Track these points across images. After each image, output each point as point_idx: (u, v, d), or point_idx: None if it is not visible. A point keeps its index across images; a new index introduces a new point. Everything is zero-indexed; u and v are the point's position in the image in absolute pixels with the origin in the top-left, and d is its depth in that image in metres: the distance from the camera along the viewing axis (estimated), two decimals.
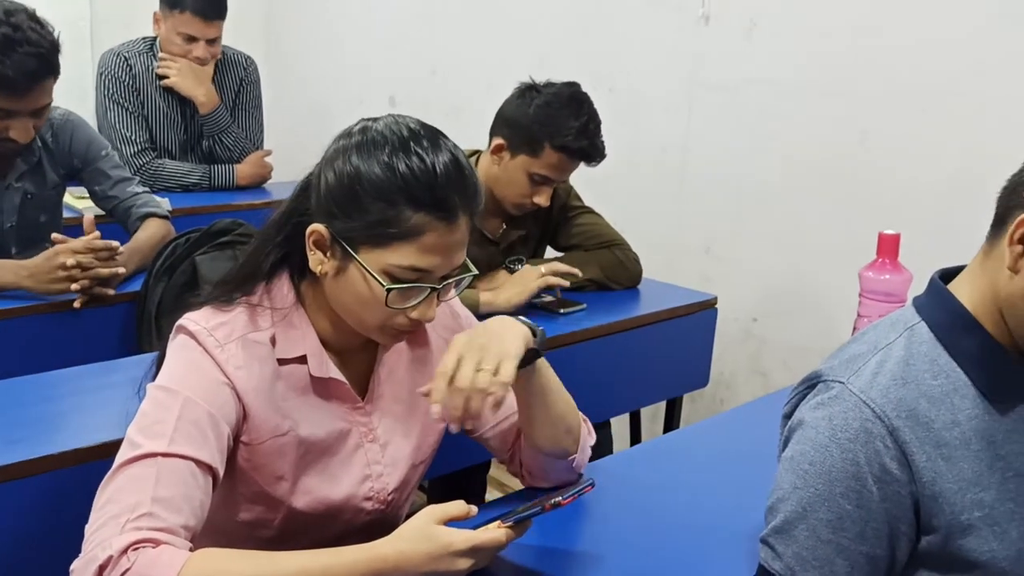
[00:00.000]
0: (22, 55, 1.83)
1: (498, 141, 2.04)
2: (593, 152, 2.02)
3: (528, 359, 1.17)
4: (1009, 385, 1.00)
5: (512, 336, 1.14)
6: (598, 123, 2.03)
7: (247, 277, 1.16)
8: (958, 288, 1.02)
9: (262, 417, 1.12)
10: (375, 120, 1.13)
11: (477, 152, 2.14)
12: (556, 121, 1.98)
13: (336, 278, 1.12)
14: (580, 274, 2.10)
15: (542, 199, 2.05)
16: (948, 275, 1.05)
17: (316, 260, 1.12)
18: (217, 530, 1.09)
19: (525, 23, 3.05)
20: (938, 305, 1.03)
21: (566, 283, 2.06)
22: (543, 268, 2.06)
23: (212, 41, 2.91)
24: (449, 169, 1.08)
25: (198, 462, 1.03)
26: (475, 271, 1.17)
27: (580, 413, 1.33)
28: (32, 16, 1.88)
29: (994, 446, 0.98)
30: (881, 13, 2.24)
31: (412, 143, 1.08)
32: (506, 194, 2.07)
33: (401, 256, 1.07)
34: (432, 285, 1.10)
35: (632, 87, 2.80)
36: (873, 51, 2.26)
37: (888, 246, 1.69)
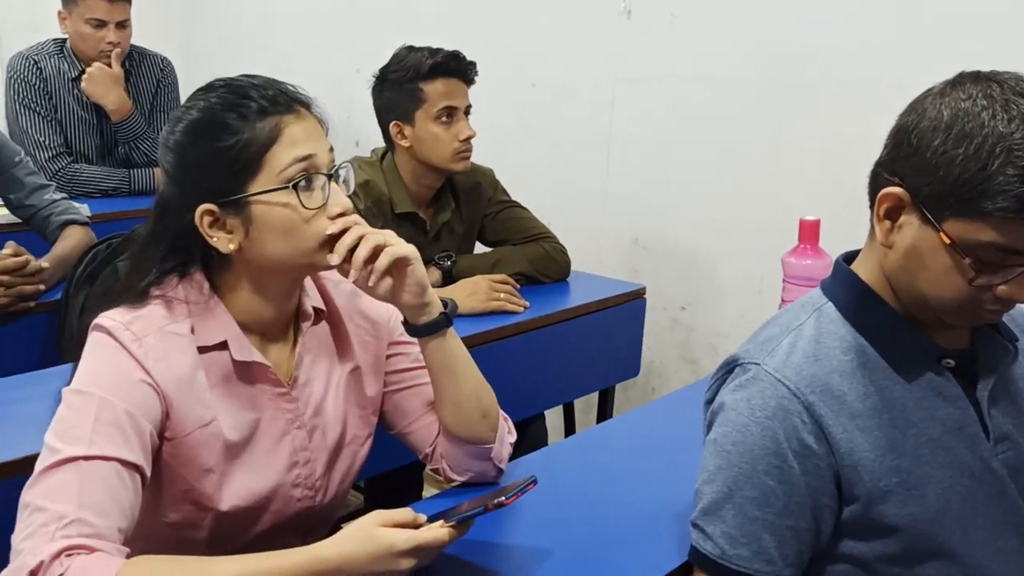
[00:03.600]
0: None
1: (392, 127, 2.08)
2: (455, 58, 2.06)
3: (436, 326, 1.20)
4: (914, 354, 1.04)
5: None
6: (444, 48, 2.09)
7: (139, 289, 1.14)
8: (858, 268, 1.08)
9: (185, 409, 1.10)
10: (183, 111, 1.15)
11: (385, 151, 2.15)
12: (410, 65, 2.04)
13: (250, 235, 1.11)
14: (527, 306, 2.10)
15: (466, 130, 2.07)
16: (850, 257, 1.10)
17: (223, 240, 1.11)
18: (146, 535, 1.07)
19: (447, 18, 3.05)
20: (842, 285, 1.08)
21: (519, 310, 2.08)
22: (493, 284, 2.07)
23: (121, 24, 2.83)
24: (269, 83, 1.14)
25: (122, 462, 1.01)
26: (348, 161, 1.19)
27: (500, 410, 1.34)
28: None
29: (906, 413, 1.02)
30: (797, 6, 2.30)
31: (217, 83, 1.15)
32: (437, 154, 2.07)
33: (280, 158, 1.09)
34: (326, 173, 1.12)
35: (555, 81, 2.83)
36: (789, 42, 2.32)
37: (809, 232, 1.74)
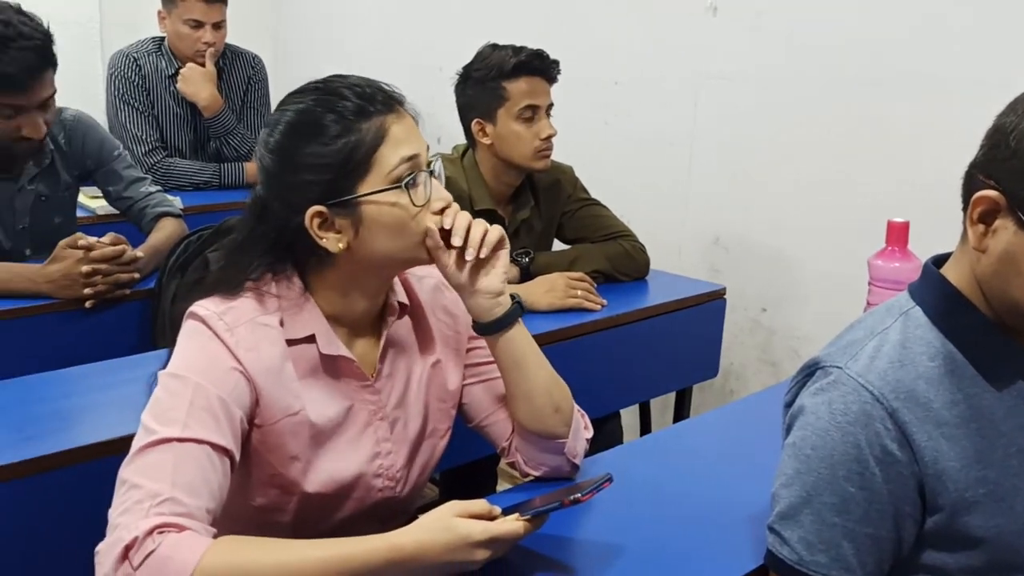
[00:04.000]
0: (18, 50, 1.84)
1: (474, 125, 2.09)
2: (538, 56, 2.07)
3: (510, 317, 1.22)
4: (1005, 362, 1.01)
5: None
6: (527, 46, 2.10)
7: (234, 282, 1.17)
8: (948, 272, 1.04)
9: (274, 398, 1.14)
10: (277, 116, 1.16)
11: (466, 148, 2.17)
12: (494, 63, 2.05)
13: (359, 236, 1.14)
14: (604, 304, 2.11)
15: (547, 128, 2.08)
16: (940, 261, 1.07)
17: (332, 241, 1.14)
18: (233, 517, 1.10)
19: (529, 17, 3.06)
20: (931, 289, 1.05)
21: (597, 308, 2.08)
22: (571, 281, 2.07)
23: (217, 25, 2.94)
24: (367, 82, 1.16)
25: (213, 445, 1.04)
26: (440, 153, 1.21)
27: (576, 406, 1.34)
28: (19, 10, 1.90)
29: (995, 423, 0.99)
30: (884, 3, 2.24)
31: (318, 85, 1.16)
32: (519, 153, 2.08)
33: (388, 158, 1.12)
34: (427, 170, 1.15)
35: (638, 79, 2.81)
36: (877, 40, 2.26)
37: (897, 234, 1.69)
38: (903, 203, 2.15)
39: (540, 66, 2.06)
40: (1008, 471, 0.98)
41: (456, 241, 1.16)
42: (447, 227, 1.16)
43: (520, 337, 1.25)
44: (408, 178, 1.13)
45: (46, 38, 1.91)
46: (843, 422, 0.98)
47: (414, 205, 1.13)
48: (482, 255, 1.18)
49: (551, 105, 2.10)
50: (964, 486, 0.97)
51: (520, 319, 1.25)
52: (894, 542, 0.99)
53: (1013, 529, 0.97)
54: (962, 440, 0.98)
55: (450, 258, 1.18)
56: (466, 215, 1.19)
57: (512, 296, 1.24)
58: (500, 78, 2.04)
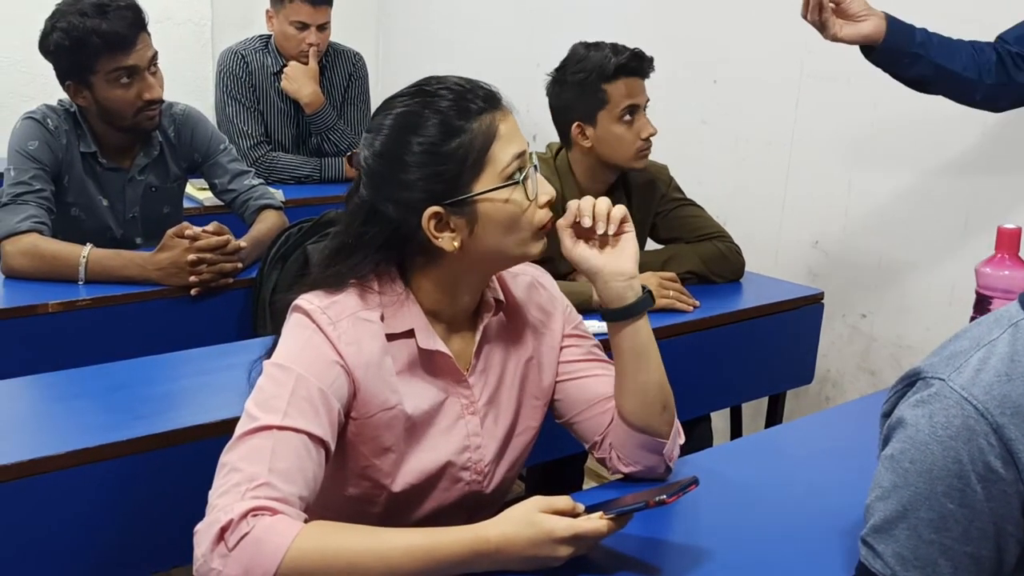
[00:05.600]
0: (116, 11, 1.99)
1: (574, 129, 2.08)
2: (636, 57, 2.04)
3: (641, 305, 1.24)
4: None
5: None
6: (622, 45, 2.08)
7: (341, 276, 1.19)
8: None
9: (372, 392, 1.16)
10: (380, 121, 1.18)
11: (559, 148, 2.16)
12: (593, 65, 2.03)
13: (473, 234, 1.16)
14: (696, 305, 2.08)
15: (648, 127, 2.07)
16: None
17: (448, 240, 1.16)
18: (326, 506, 1.14)
19: (626, 14, 3.04)
20: None
21: (689, 309, 2.06)
22: (663, 282, 2.06)
23: (322, 27, 3.02)
24: (468, 80, 1.18)
25: (311, 436, 1.07)
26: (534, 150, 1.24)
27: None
28: None
29: None
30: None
31: (423, 87, 1.17)
32: (620, 154, 2.08)
33: (500, 156, 1.15)
34: (533, 164, 1.18)
35: (737, 78, 2.76)
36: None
37: (1008, 241, 1.62)
38: (1015, 208, 2.06)
39: (638, 67, 2.05)
40: None
41: (586, 222, 1.21)
42: (574, 215, 1.21)
43: (645, 328, 1.25)
44: (521, 174, 1.15)
45: (135, 7, 2.04)
46: (944, 436, 0.94)
47: (527, 199, 1.15)
48: (610, 231, 1.21)
49: (647, 100, 2.09)
50: None
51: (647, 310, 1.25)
52: (994, 562, 0.95)
53: None
54: None
55: (578, 244, 1.22)
56: (589, 197, 1.23)
57: (643, 286, 1.25)
58: (599, 80, 2.02)
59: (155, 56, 2.09)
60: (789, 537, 1.25)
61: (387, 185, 1.16)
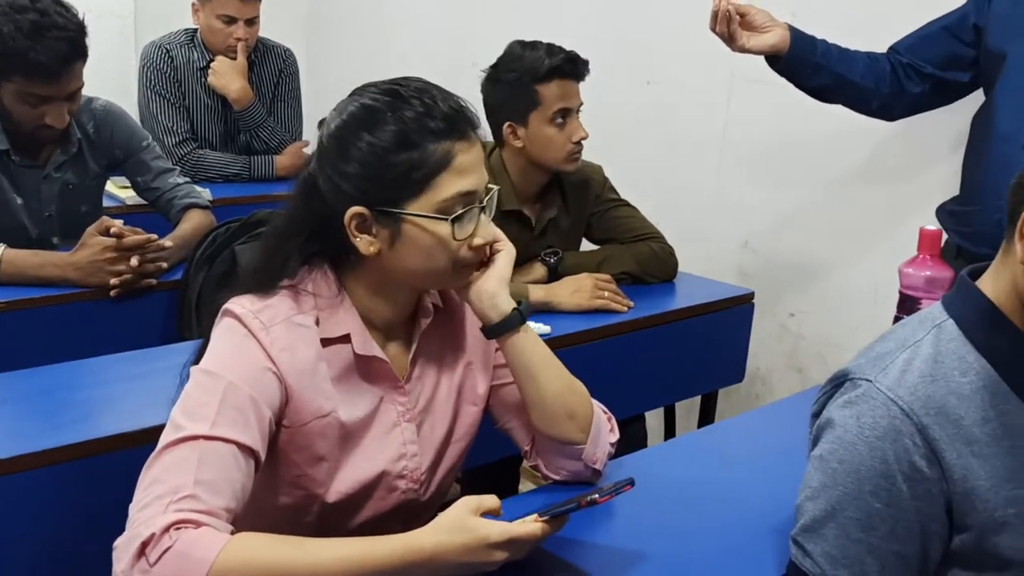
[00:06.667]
0: (52, 40, 1.85)
1: (505, 128, 2.07)
2: (571, 60, 2.04)
3: (509, 323, 1.21)
4: None
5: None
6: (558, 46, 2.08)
7: (270, 277, 1.17)
8: (985, 285, 1.02)
9: (305, 399, 1.14)
10: (348, 100, 1.15)
11: (493, 147, 2.15)
12: (526, 65, 2.02)
13: (393, 248, 1.14)
14: (631, 306, 2.10)
15: (579, 132, 2.07)
16: (977, 272, 1.05)
17: (365, 243, 1.13)
18: (257, 515, 1.11)
19: (563, 16, 3.04)
20: (966, 302, 1.02)
21: (623, 310, 2.07)
22: (598, 283, 2.06)
23: (251, 21, 2.94)
24: (446, 97, 1.14)
25: (240, 445, 1.04)
26: (495, 186, 1.21)
27: (602, 410, 1.33)
28: (56, 0, 1.91)
29: None
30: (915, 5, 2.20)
31: (399, 88, 1.13)
32: (550, 156, 2.07)
33: (446, 188, 1.11)
34: (480, 205, 1.15)
35: (670, 79, 2.79)
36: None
37: (929, 242, 1.66)
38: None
39: (573, 70, 2.04)
40: None
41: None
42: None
43: (528, 343, 1.23)
44: (458, 213, 1.12)
45: (79, 30, 1.92)
46: (871, 436, 0.96)
47: (454, 239, 1.13)
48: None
49: (581, 104, 2.09)
50: (994, 506, 0.95)
51: (526, 326, 1.23)
52: (920, 560, 0.98)
53: None
54: (993, 459, 0.96)
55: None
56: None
57: (518, 302, 1.23)
58: (532, 81, 2.02)
59: (79, 88, 1.99)
60: (722, 537, 1.26)
61: (329, 166, 1.14)
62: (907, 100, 2.02)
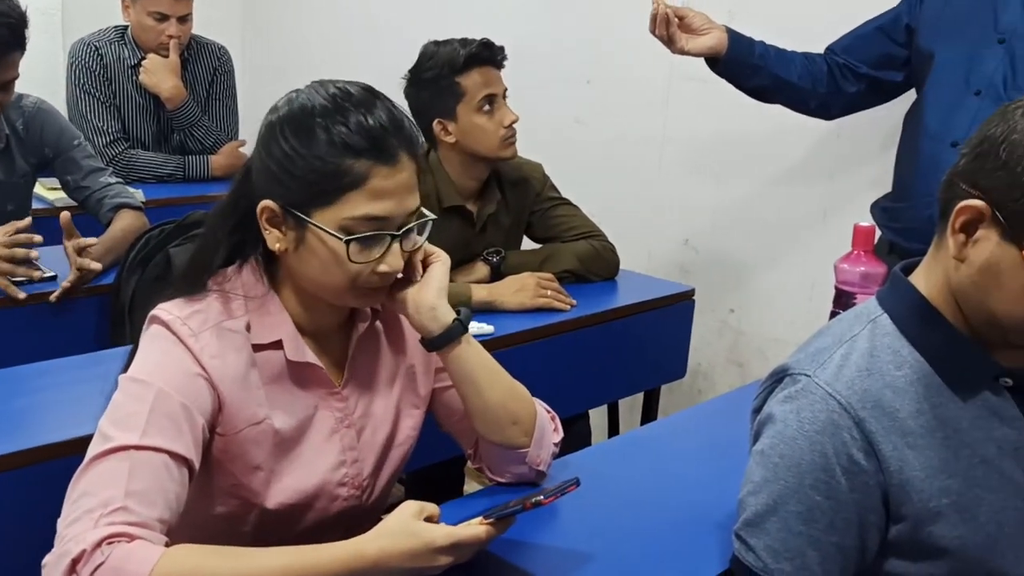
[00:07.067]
0: None
1: (435, 126, 2.07)
2: (486, 46, 2.05)
3: (451, 334, 1.19)
4: (971, 373, 1.01)
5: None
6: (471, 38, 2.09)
7: (200, 270, 1.15)
8: (917, 280, 1.04)
9: (237, 406, 1.11)
10: (299, 91, 1.13)
11: (428, 149, 2.13)
12: (443, 60, 2.03)
13: (297, 251, 1.12)
14: (573, 304, 2.10)
15: (508, 116, 2.07)
16: (910, 267, 1.07)
17: (273, 238, 1.12)
18: (193, 525, 1.08)
19: (500, 14, 3.03)
20: (899, 297, 1.04)
21: (566, 308, 2.07)
22: (541, 282, 2.06)
23: (183, 18, 2.87)
24: (381, 115, 1.09)
25: (172, 454, 1.02)
26: (432, 216, 1.18)
27: (546, 410, 1.32)
28: None
29: (959, 433, 0.99)
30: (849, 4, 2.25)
31: (340, 99, 1.10)
32: (485, 145, 2.06)
33: (353, 207, 1.08)
34: (391, 233, 1.10)
35: (610, 78, 2.80)
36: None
37: (863, 238, 1.69)
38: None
39: (490, 56, 2.05)
40: (972, 482, 0.99)
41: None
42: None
43: (469, 354, 1.22)
44: (359, 237, 1.08)
45: (21, 20, 1.89)
46: (811, 431, 0.97)
47: (349, 260, 1.09)
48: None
49: (506, 90, 2.09)
50: (928, 496, 0.97)
51: (467, 336, 1.21)
52: (858, 551, 0.99)
53: (977, 540, 0.98)
54: (927, 450, 0.98)
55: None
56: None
57: (458, 312, 1.21)
58: (452, 74, 2.02)
59: (13, 80, 1.93)
60: (666, 533, 1.27)
61: (258, 154, 1.13)
62: (844, 100, 2.06)
